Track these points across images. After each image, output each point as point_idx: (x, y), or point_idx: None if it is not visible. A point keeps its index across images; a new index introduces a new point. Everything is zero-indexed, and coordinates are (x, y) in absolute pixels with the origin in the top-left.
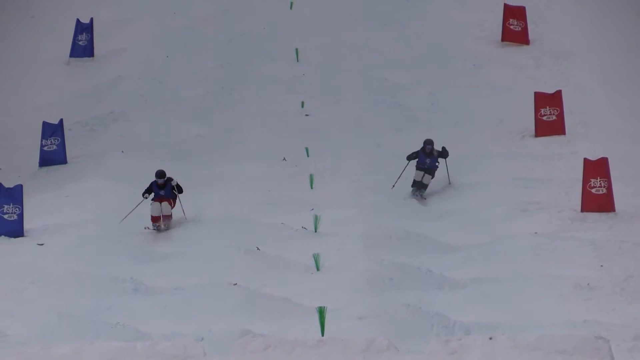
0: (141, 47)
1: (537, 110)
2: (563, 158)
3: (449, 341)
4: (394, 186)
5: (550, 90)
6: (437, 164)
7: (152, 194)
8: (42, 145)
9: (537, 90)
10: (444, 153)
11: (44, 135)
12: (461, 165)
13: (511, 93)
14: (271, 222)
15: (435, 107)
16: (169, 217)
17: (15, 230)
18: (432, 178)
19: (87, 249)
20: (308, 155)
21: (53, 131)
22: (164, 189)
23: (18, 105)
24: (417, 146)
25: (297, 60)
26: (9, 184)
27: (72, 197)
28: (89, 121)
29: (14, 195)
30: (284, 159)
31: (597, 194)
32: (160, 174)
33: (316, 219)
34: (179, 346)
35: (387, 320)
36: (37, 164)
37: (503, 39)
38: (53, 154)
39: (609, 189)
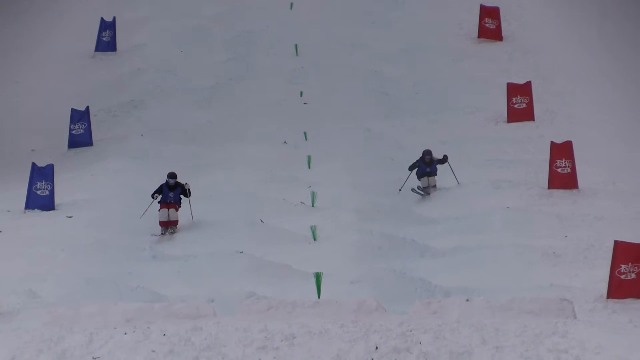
0: (158, 43)
1: (509, 99)
2: (532, 141)
3: (430, 302)
4: (400, 190)
5: (521, 81)
6: (436, 170)
7: (161, 196)
8: (70, 130)
9: (509, 81)
10: (443, 160)
11: (72, 121)
12: (442, 149)
13: (486, 84)
14: (273, 197)
15: (418, 96)
16: (176, 222)
17: (47, 204)
18: (436, 176)
19: (110, 221)
20: (306, 139)
21: (80, 117)
22: (173, 191)
23: (49, 95)
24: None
25: (297, 55)
26: (41, 163)
27: (97, 175)
28: (112, 108)
29: (46, 173)
30: (285, 142)
31: (563, 173)
32: (172, 174)
33: (313, 195)
34: (192, 307)
35: (376, 284)
36: (67, 146)
37: (479, 36)
38: (80, 137)
39: (573, 168)
